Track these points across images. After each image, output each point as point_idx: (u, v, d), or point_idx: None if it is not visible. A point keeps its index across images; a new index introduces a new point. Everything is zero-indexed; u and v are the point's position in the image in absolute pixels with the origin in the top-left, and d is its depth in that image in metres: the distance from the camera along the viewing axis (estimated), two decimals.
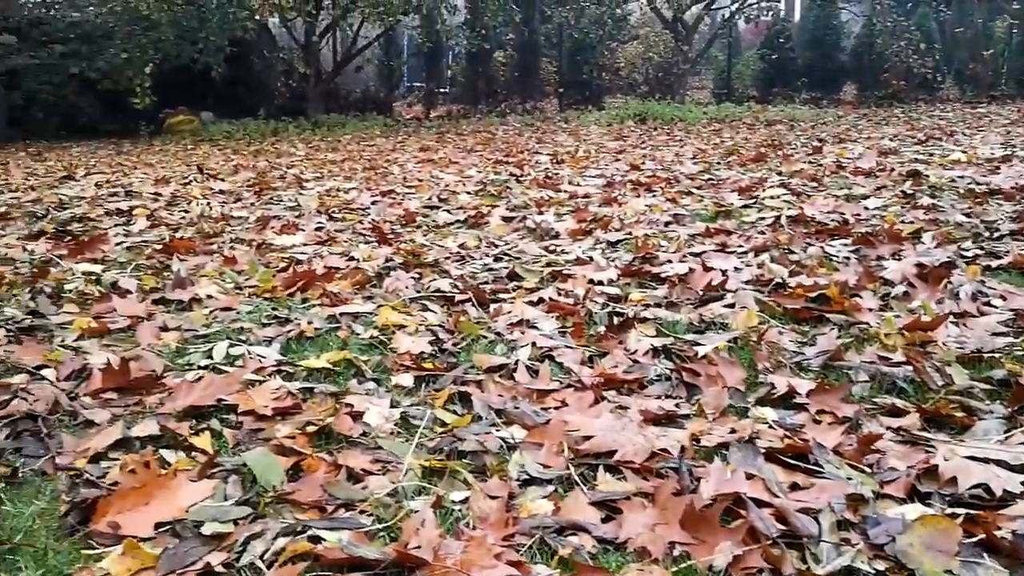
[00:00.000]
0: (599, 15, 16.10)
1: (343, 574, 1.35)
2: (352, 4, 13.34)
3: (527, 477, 1.63)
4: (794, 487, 1.56)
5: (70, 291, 3.25)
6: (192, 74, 13.94)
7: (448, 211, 4.71)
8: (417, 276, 3.20)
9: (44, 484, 1.74)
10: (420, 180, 5.92)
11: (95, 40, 14.68)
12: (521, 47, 16.26)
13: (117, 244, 4.15)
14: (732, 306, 2.61)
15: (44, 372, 2.35)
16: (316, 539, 1.42)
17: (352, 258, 3.57)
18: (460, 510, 1.51)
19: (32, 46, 14.87)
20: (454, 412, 1.97)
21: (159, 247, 3.99)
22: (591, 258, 3.26)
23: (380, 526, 1.47)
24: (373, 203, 5.09)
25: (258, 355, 2.40)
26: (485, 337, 2.47)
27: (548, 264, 3.25)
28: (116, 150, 11.50)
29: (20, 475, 1.77)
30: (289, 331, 2.61)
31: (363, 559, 1.33)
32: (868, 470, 1.61)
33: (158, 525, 1.51)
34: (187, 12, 12.75)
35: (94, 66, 14.38)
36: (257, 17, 13.61)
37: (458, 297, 2.85)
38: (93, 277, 3.46)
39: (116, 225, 4.74)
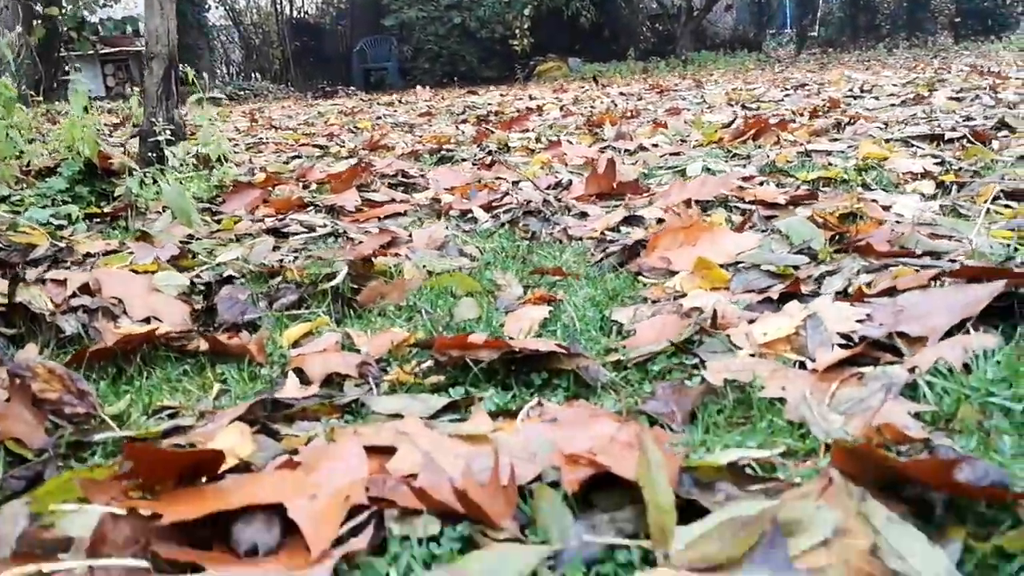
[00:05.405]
0: None
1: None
2: None
3: None
4: None
5: (514, 146, 3.33)
6: (561, 21, 14.31)
7: (876, 98, 4.27)
8: (883, 125, 2.88)
9: (563, 245, 1.71)
10: (830, 80, 5.49)
11: None
12: None
13: (539, 125, 4.24)
14: None
15: (522, 184, 2.37)
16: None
17: (793, 117, 3.32)
18: None
19: (420, 0, 16.14)
20: (1005, 206, 1.67)
21: (581, 123, 4.01)
22: None
23: None
24: (785, 96, 4.78)
25: (736, 170, 2.25)
26: (1001, 160, 2.12)
27: None
28: (498, 90, 12.10)
29: (539, 238, 1.76)
30: (758, 160, 2.44)
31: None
32: None
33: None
34: None
35: (475, 15, 15.28)
36: None
37: (947, 136, 2.50)
38: (530, 139, 3.52)
39: (531, 114, 4.87)
